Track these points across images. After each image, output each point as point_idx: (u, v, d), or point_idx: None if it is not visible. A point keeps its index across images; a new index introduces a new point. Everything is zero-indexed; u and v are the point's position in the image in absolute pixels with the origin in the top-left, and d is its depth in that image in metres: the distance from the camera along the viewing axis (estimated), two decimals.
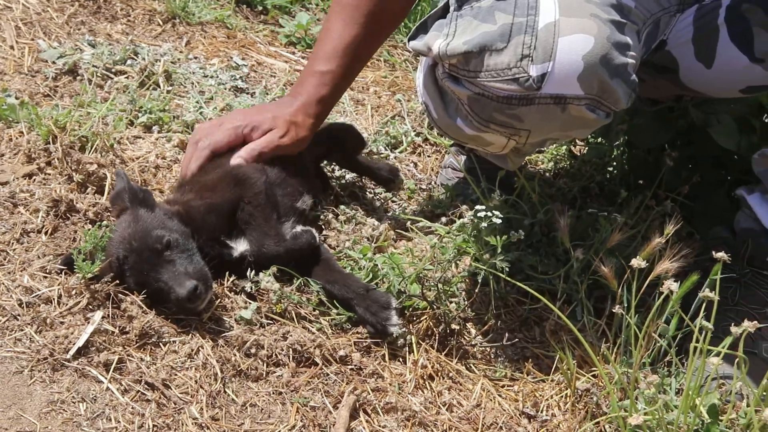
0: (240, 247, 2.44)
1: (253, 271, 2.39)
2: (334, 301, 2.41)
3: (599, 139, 3.12)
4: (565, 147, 3.30)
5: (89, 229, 2.21)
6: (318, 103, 2.61)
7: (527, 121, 2.19)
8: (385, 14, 2.60)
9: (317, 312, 2.40)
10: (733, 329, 1.96)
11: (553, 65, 2.10)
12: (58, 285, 2.21)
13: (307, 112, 2.61)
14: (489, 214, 2.42)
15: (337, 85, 2.63)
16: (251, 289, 2.38)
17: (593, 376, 2.31)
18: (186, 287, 2.19)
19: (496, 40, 2.13)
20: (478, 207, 2.45)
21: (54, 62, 3.25)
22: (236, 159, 2.54)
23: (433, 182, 3.11)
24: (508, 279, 2.37)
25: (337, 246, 2.61)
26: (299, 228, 2.50)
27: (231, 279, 2.41)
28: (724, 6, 2.43)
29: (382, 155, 3.20)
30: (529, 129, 2.22)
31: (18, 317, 2.14)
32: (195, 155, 2.57)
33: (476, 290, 2.49)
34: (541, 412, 2.29)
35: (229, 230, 2.46)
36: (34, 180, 2.63)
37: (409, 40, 2.31)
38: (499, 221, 2.41)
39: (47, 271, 2.29)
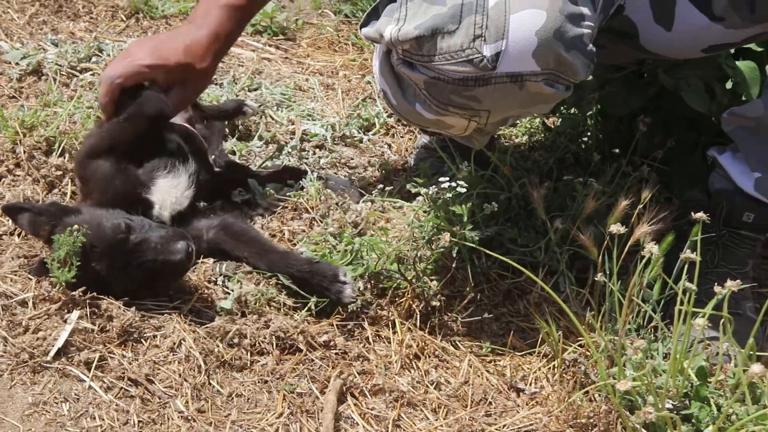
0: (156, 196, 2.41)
1: (223, 264, 2.38)
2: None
3: (572, 110, 3.11)
4: (538, 120, 3.28)
5: (60, 237, 2.14)
6: (221, 39, 2.48)
7: (485, 102, 2.17)
8: None
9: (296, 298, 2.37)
10: (717, 290, 1.96)
11: (506, 43, 2.07)
12: (34, 289, 2.18)
13: (210, 48, 2.46)
14: (453, 184, 2.40)
15: (244, 22, 2.54)
16: (223, 282, 2.37)
17: (580, 345, 2.30)
18: (179, 251, 2.17)
19: (447, 22, 2.09)
20: (441, 179, 2.44)
21: (17, 63, 3.21)
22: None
23: (408, 162, 3.09)
24: (486, 251, 2.35)
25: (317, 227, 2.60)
26: None
27: (204, 270, 2.39)
28: None
29: (355, 138, 3.18)
30: (488, 109, 2.20)
31: None
32: (107, 89, 2.42)
33: (453, 265, 2.47)
34: (530, 384, 2.28)
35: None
36: (3, 182, 2.59)
37: (360, 27, 2.27)
38: (463, 190, 2.39)
39: (20, 274, 2.26)
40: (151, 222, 2.26)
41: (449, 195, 2.40)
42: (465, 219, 2.37)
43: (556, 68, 2.12)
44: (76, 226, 2.11)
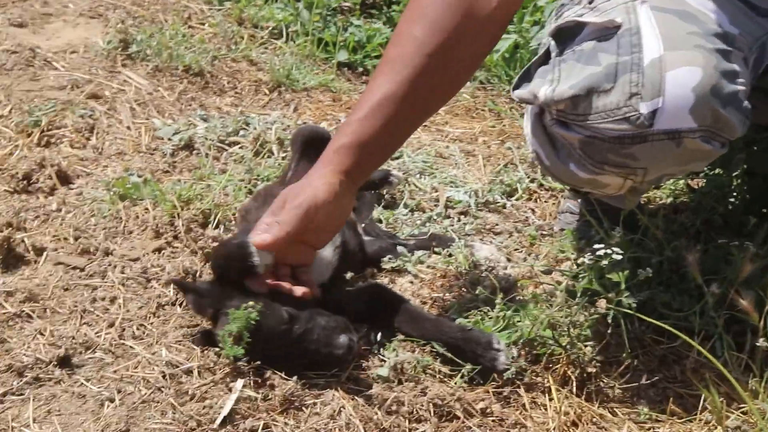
0: None
1: (378, 334, 2.42)
2: None
3: (717, 170, 3.07)
4: (682, 181, 3.25)
5: (235, 311, 2.19)
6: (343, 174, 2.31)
7: (643, 160, 2.17)
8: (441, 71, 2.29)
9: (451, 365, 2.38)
10: None
11: (663, 101, 2.08)
12: (198, 359, 2.25)
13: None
14: (609, 251, 2.39)
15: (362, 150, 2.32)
16: (378, 350, 2.40)
17: (743, 413, 2.25)
18: (342, 345, 2.23)
19: (602, 81, 2.11)
20: (596, 246, 2.43)
21: (170, 139, 3.34)
22: None
23: (553, 227, 3.08)
24: (642, 317, 2.33)
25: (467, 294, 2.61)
26: None
27: (360, 339, 2.42)
28: None
29: (498, 204, 3.20)
30: (645, 167, 2.19)
31: (162, 389, 2.18)
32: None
33: (608, 331, 2.45)
34: None
35: None
36: (163, 254, 2.69)
37: (513, 90, 2.30)
38: (619, 257, 2.38)
39: (184, 343, 2.33)
40: (312, 310, 2.28)
41: (605, 262, 2.39)
42: (622, 286, 2.35)
43: (713, 125, 2.11)
44: (251, 303, 2.18)
